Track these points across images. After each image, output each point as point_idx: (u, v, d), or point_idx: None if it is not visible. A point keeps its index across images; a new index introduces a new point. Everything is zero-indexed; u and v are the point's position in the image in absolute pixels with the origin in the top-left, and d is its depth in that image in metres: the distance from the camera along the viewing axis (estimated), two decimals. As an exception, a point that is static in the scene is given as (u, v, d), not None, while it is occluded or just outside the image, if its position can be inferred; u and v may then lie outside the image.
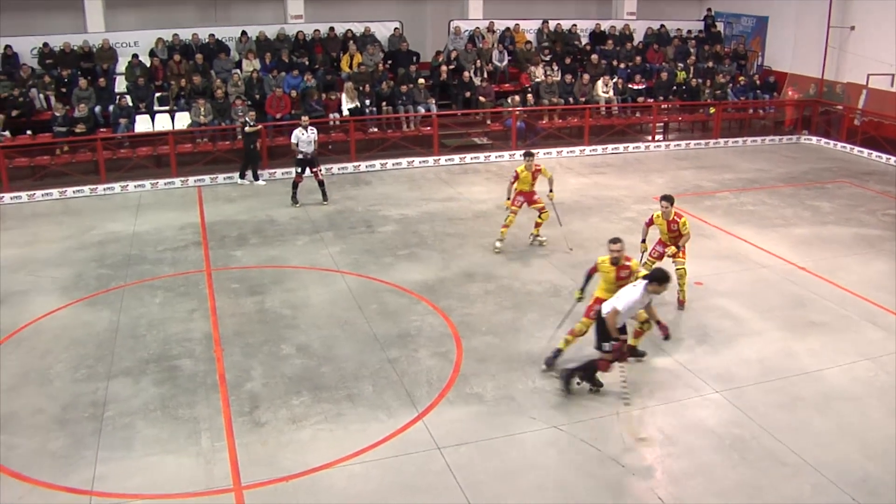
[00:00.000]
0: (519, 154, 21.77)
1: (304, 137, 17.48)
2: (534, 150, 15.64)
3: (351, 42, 23.79)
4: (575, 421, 9.35)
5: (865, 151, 23.41)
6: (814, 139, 25.28)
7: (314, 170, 17.73)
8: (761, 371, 10.58)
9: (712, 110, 25.11)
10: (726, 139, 24.80)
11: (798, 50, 27.30)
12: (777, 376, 10.44)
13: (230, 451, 8.69)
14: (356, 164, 20.75)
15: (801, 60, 27.12)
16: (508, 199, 14.88)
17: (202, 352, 10.95)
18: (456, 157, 21.73)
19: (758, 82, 26.65)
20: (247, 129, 19.09)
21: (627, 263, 10.33)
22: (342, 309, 12.31)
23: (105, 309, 12.36)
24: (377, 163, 20.93)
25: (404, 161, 21.14)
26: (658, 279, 9.28)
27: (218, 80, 21.63)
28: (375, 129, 21.81)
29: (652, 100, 24.72)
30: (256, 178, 19.55)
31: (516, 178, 14.68)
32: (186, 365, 10.59)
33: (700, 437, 9.16)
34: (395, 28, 24.79)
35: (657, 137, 24.45)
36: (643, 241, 12.85)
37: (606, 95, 24.10)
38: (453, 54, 24.15)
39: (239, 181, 19.53)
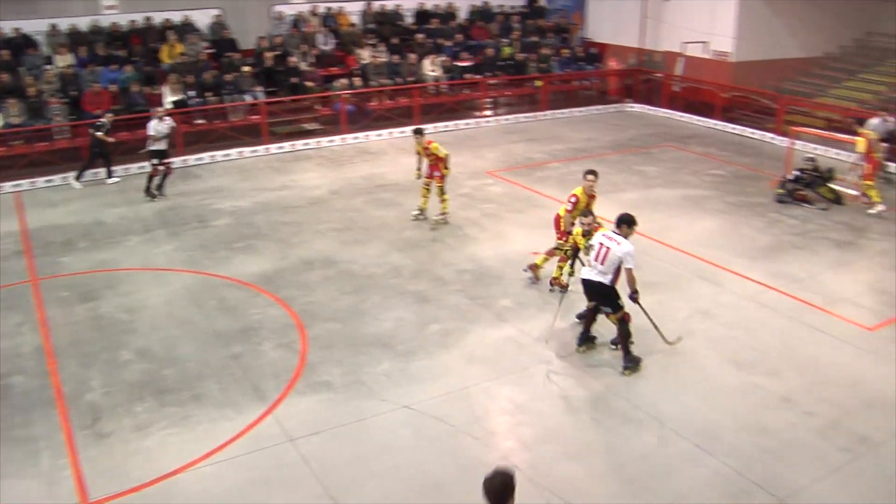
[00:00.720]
0: (351, 138, 21.88)
1: (162, 128, 17.20)
2: (422, 127, 16.15)
3: (170, 31, 23.12)
4: (425, 399, 9.54)
5: (686, 116, 24.63)
6: (637, 107, 26.38)
7: (165, 161, 17.44)
8: (604, 332, 10.98)
9: (539, 83, 25.80)
10: (554, 111, 25.52)
11: (617, 21, 28.36)
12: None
13: (74, 468, 8.42)
14: (184, 157, 20.10)
15: (620, 32, 28.17)
16: (418, 169, 15.53)
17: (35, 366, 10.50)
18: (287, 145, 21.46)
19: (581, 54, 27.57)
20: (98, 133, 18.19)
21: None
22: (180, 308, 12.08)
23: (-78, 330, 11.69)
24: (206, 155, 20.43)
25: (234, 152, 20.72)
26: (628, 222, 10.06)
27: (29, 77, 20.55)
28: (202, 121, 21.29)
29: (479, 76, 25.18)
30: (79, 178, 18.73)
31: (419, 155, 15.49)
32: (18, 382, 10.14)
33: (549, 404, 9.55)
34: (216, 15, 24.23)
35: (487, 113, 24.94)
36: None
37: (434, 74, 24.39)
38: (277, 40, 23.84)
39: (109, 180, 18.73)
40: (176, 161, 19.74)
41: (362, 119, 22.93)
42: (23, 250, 14.60)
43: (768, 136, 22.34)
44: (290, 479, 8.20)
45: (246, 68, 22.28)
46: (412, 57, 24.38)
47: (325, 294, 12.49)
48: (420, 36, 25.53)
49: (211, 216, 16.22)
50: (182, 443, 8.81)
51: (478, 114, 24.73)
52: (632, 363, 10.15)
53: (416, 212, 15.64)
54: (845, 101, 23.46)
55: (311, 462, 8.42)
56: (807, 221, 15.67)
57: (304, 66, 23.30)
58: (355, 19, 26.25)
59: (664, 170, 19.21)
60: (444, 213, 15.41)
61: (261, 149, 20.99)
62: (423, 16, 27.10)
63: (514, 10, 29.05)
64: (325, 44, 24.75)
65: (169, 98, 21.00)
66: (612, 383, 9.93)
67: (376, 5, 26.57)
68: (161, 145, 17.35)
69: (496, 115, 24.90)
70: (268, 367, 10.34)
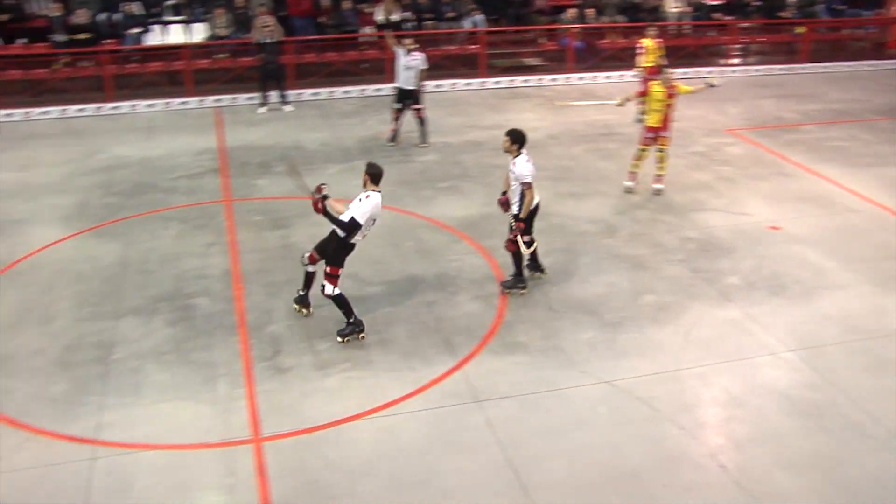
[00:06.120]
0: (576, 78, 21.58)
1: (407, 62, 16.35)
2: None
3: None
4: (630, 377, 9.28)
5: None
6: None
7: (417, 107, 16.71)
8: (844, 329, 10.34)
9: (801, 30, 24.63)
10: (815, 64, 24.33)
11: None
12: (863, 336, 10.20)
13: (249, 400, 8.83)
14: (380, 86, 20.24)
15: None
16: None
17: (220, 290, 11.08)
18: (504, 80, 21.53)
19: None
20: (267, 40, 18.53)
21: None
22: (375, 246, 12.01)
23: (112, 241, 12.53)
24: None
25: (446, 83, 20.95)
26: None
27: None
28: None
29: (729, 17, 24.23)
30: (263, 104, 19.17)
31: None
32: (203, 304, 10.74)
33: (770, 401, 8.97)
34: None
35: (734, 61, 24.04)
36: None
37: (677, 11, 23.64)
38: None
39: (259, 111, 19.13)
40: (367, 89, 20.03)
41: (591, 58, 22.61)
42: (219, 168, 15.44)
43: None
44: (470, 443, 8.22)
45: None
46: (654, -10, 23.70)
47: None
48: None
49: (417, 151, 16.56)
50: (362, 388, 9.03)
51: (723, 61, 23.85)
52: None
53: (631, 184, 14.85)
54: None
55: (497, 428, 8.41)
56: None
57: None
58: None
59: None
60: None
61: (475, 82, 21.13)
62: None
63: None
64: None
65: (382, 17, 21.14)
66: (851, 388, 9.13)
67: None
68: (410, 84, 16.46)
69: (745, 64, 23.95)
70: (461, 320, 10.38)
